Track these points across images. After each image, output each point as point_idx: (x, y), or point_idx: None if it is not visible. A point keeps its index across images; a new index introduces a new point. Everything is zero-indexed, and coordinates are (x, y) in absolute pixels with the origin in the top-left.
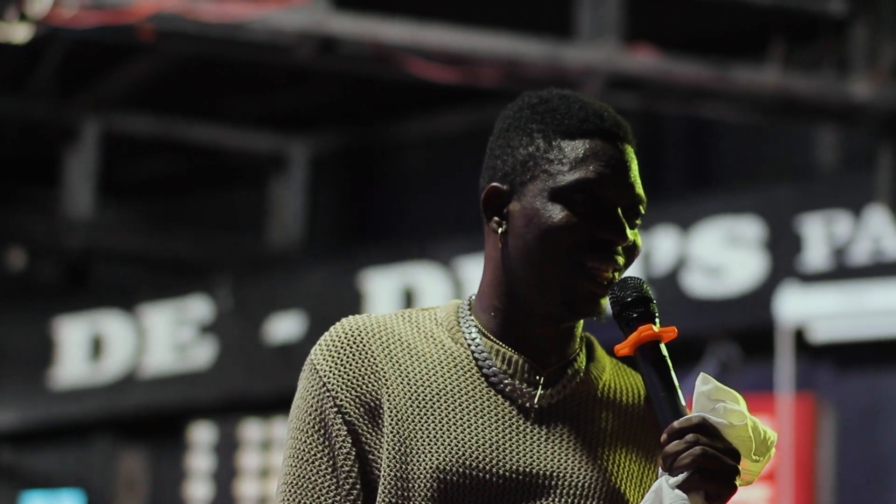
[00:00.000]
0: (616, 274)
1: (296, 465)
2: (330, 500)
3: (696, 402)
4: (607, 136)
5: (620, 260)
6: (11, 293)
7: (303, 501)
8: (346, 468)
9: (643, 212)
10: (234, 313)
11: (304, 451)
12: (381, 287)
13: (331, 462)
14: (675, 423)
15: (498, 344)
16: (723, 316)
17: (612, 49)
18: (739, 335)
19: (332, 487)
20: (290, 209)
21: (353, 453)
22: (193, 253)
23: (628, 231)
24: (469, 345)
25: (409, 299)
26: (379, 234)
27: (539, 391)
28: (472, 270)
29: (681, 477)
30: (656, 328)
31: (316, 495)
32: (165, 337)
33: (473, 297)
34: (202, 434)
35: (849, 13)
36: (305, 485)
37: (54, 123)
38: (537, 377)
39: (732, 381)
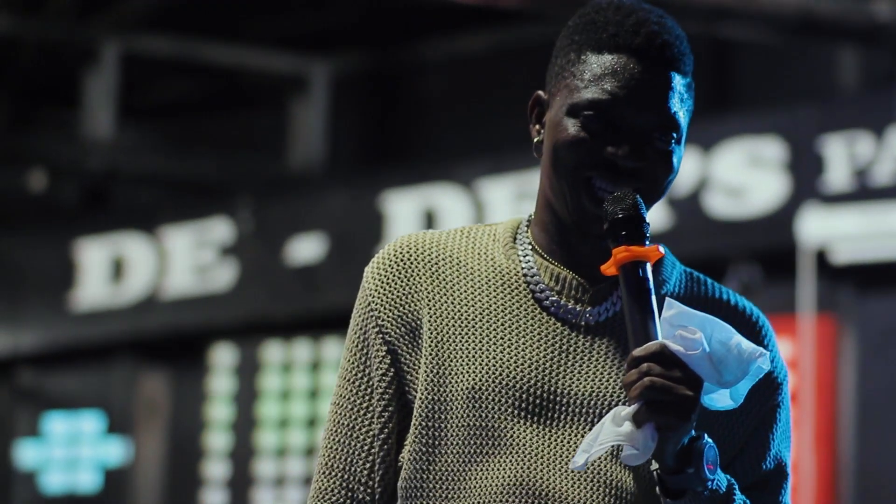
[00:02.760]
0: (638, 194)
1: (340, 384)
2: (363, 420)
3: (661, 329)
4: (636, 53)
5: (635, 184)
6: (32, 215)
7: (341, 420)
8: (382, 388)
9: (675, 137)
10: (255, 235)
11: (347, 369)
12: (403, 209)
13: (369, 382)
14: (635, 351)
15: (548, 260)
16: (744, 237)
17: None
18: (761, 256)
19: (366, 407)
20: (310, 130)
21: (391, 373)
22: (214, 175)
23: (634, 151)
24: (520, 261)
25: (430, 221)
26: (400, 155)
27: (587, 308)
28: (494, 192)
29: (632, 408)
30: (636, 248)
31: (353, 414)
32: (186, 259)
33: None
34: (223, 356)
35: None
36: (344, 403)
37: (74, 44)
38: (585, 294)
39: (754, 302)
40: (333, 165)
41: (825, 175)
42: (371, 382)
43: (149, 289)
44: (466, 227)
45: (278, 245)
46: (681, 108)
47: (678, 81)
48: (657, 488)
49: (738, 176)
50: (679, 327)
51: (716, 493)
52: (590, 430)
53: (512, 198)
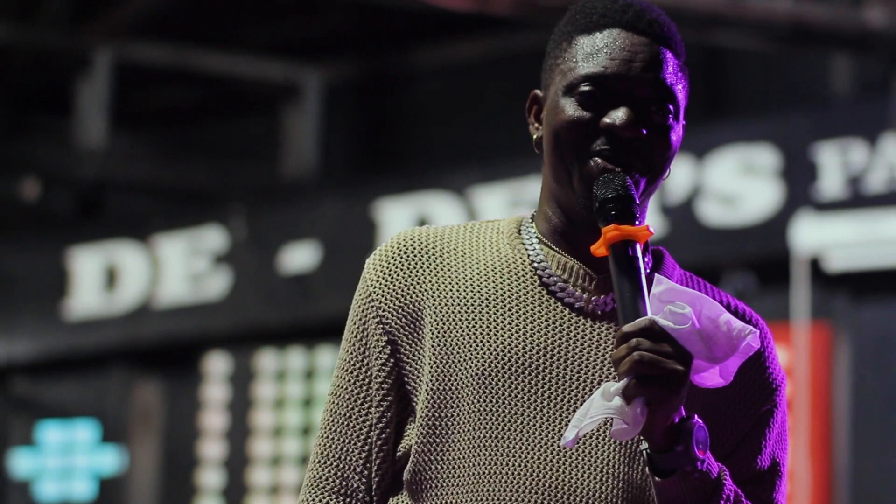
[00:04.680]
0: (637, 172)
1: (339, 375)
2: (361, 409)
3: (651, 306)
4: (626, 27)
5: (633, 157)
6: (25, 223)
7: (338, 410)
8: (381, 378)
9: (672, 111)
10: (249, 243)
11: (345, 360)
12: (396, 216)
13: (367, 372)
14: (624, 327)
15: (555, 250)
16: (738, 245)
17: None
18: (755, 264)
19: (363, 397)
20: (303, 138)
21: (391, 363)
22: (207, 182)
23: (631, 119)
24: (527, 251)
25: None
26: (393, 163)
27: (595, 297)
28: (487, 200)
29: (621, 384)
30: (626, 227)
31: (350, 404)
32: (180, 267)
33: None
34: (217, 364)
35: None
36: (342, 393)
37: (66, 52)
38: (593, 283)
39: None
40: (326, 173)
41: (818, 182)
42: (370, 372)
43: (142, 297)
44: (469, 223)
45: (272, 253)
46: (676, 82)
47: (670, 58)
48: (647, 468)
49: (732, 183)
50: (668, 303)
51: (706, 475)
52: None
53: (505, 205)
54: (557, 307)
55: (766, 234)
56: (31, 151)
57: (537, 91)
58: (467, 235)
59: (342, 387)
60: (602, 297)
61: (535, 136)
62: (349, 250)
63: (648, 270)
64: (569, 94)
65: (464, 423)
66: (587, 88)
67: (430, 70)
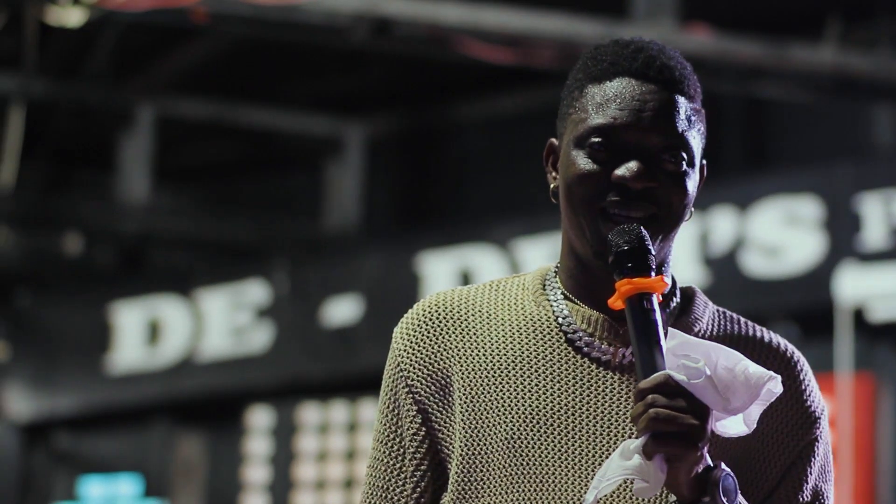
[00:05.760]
0: (651, 223)
1: (374, 447)
2: (397, 481)
3: (665, 360)
4: (636, 76)
5: (648, 208)
6: (68, 278)
7: (376, 483)
8: (413, 448)
9: (686, 158)
10: (291, 297)
11: (380, 431)
12: (439, 270)
13: (401, 443)
14: (641, 383)
15: (577, 304)
16: (781, 296)
17: (668, 29)
18: (798, 315)
19: (399, 468)
20: (346, 192)
21: (423, 432)
22: (250, 237)
23: (641, 171)
24: (552, 306)
25: (466, 282)
26: (435, 216)
27: (620, 349)
28: (530, 252)
29: (639, 441)
30: (639, 279)
31: (387, 476)
32: (222, 321)
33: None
34: (260, 418)
35: None
36: (378, 465)
37: (109, 108)
38: (617, 335)
39: None
40: (369, 227)
41: (862, 233)
42: (403, 443)
43: (185, 351)
44: (496, 280)
45: (314, 307)
46: (689, 128)
47: (683, 103)
48: None
49: (775, 234)
50: (682, 357)
51: None
52: None
53: (548, 257)
54: (584, 363)
55: (809, 285)
56: (74, 207)
57: (553, 140)
58: (493, 295)
59: (378, 458)
60: (628, 348)
61: (552, 186)
62: (391, 304)
63: (671, 314)
64: (579, 147)
65: (495, 486)
66: (597, 140)
67: (472, 123)
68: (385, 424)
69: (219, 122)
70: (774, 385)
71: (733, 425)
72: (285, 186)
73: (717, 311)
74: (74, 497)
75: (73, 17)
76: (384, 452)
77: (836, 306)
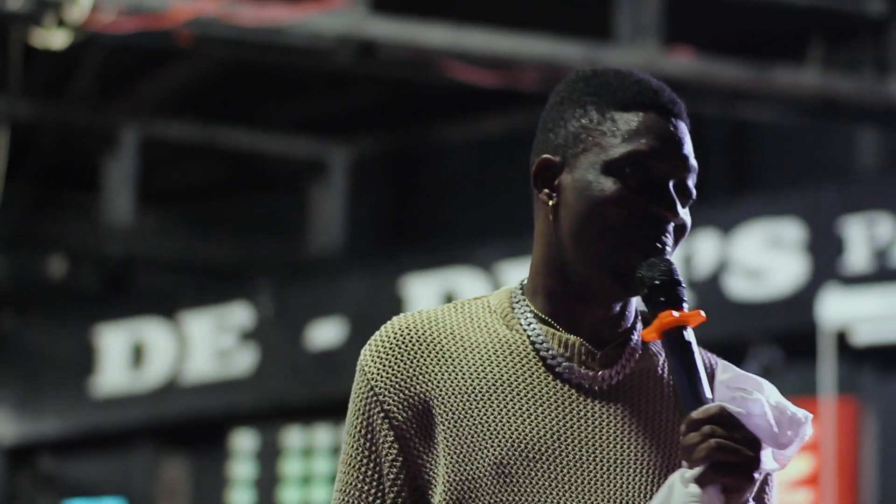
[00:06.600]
0: (665, 252)
1: (345, 472)
2: None
3: (716, 392)
4: (661, 110)
5: (670, 238)
6: (52, 300)
7: None
8: (392, 475)
9: (693, 191)
10: (275, 319)
11: (352, 456)
12: (423, 292)
13: (376, 468)
14: (693, 414)
15: (553, 327)
16: (764, 319)
17: (652, 51)
18: (781, 338)
19: (377, 495)
20: (330, 215)
21: (400, 459)
22: (234, 259)
23: (676, 206)
24: (525, 330)
25: None
26: (420, 239)
27: (599, 373)
28: (514, 275)
29: (696, 470)
30: (680, 313)
31: (362, 503)
32: (206, 344)
33: (526, 281)
34: (244, 441)
35: (888, 13)
36: (352, 491)
37: (94, 130)
38: (594, 359)
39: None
40: (353, 249)
41: (845, 256)
42: (379, 469)
43: (169, 374)
44: (458, 302)
45: (298, 329)
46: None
47: (688, 134)
48: None
49: (758, 258)
50: (736, 389)
51: None
52: (616, 496)
53: None
54: (563, 388)
55: (792, 309)
56: (58, 228)
57: (549, 156)
58: (459, 318)
59: (351, 484)
60: (604, 372)
61: (549, 203)
62: (376, 326)
63: (638, 337)
64: (608, 172)
65: None
66: (631, 167)
67: (456, 145)
68: (357, 449)
69: (203, 144)
70: (810, 427)
71: (767, 461)
72: (269, 208)
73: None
74: None
75: (57, 40)
76: (358, 478)
77: (819, 329)
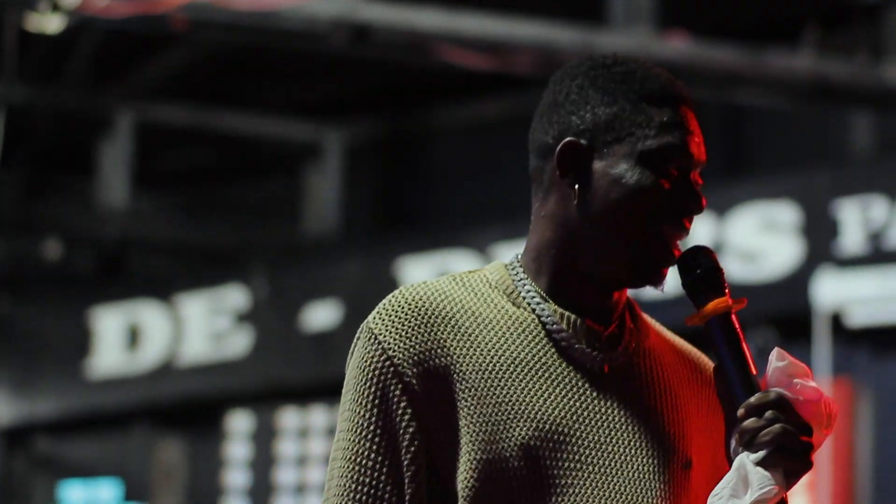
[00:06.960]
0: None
1: (353, 440)
2: (390, 479)
3: (771, 378)
4: (684, 103)
5: (689, 229)
6: (48, 283)
7: (361, 478)
8: (409, 445)
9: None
10: (271, 302)
11: (362, 425)
12: (418, 275)
13: (391, 438)
14: (753, 399)
15: (558, 306)
16: (759, 301)
17: (646, 35)
18: (776, 320)
19: (393, 465)
20: (325, 197)
21: (418, 431)
22: (229, 242)
23: (701, 199)
24: (534, 309)
25: None
26: (415, 221)
27: (606, 354)
28: (508, 257)
29: (761, 454)
30: (727, 300)
31: (375, 473)
32: (202, 326)
33: (520, 258)
34: (239, 423)
35: None
36: (363, 461)
37: (89, 113)
38: (598, 340)
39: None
40: (348, 232)
41: (839, 239)
42: (393, 440)
43: (164, 356)
44: (455, 275)
45: (293, 311)
46: None
47: None
48: None
49: (753, 240)
50: (793, 376)
51: None
52: (637, 476)
53: None
54: (574, 368)
55: (787, 291)
56: (54, 212)
57: (574, 139)
58: (463, 291)
59: (362, 454)
60: (612, 353)
61: (575, 188)
62: (371, 308)
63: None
64: (644, 164)
65: (514, 495)
66: (664, 160)
67: (451, 129)
68: (368, 419)
69: (198, 127)
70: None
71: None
72: (264, 192)
73: (645, 315)
74: (55, 502)
75: (52, 24)
76: (370, 448)
77: (813, 312)
